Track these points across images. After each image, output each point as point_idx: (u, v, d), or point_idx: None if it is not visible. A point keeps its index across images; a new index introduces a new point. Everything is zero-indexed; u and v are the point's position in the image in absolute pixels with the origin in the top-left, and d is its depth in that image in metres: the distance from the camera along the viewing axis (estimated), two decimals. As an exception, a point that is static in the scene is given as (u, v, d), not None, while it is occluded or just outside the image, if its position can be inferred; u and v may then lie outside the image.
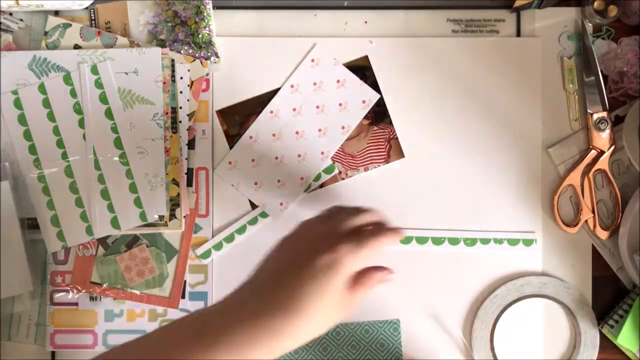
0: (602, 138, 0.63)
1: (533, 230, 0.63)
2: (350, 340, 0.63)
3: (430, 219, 0.63)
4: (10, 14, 0.62)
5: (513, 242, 0.63)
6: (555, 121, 0.64)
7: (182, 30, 0.62)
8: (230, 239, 0.63)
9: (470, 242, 0.63)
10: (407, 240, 0.63)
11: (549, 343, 0.64)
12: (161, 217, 0.62)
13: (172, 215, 0.62)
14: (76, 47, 0.62)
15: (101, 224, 0.61)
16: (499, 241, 0.63)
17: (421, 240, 0.63)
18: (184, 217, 0.62)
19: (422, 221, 0.63)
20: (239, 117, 0.64)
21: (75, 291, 0.62)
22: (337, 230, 0.48)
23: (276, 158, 0.63)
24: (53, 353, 0.63)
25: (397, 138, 0.64)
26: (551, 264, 0.64)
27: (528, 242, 0.63)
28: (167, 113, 0.62)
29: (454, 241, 0.63)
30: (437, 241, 0.63)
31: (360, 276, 0.47)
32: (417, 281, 0.63)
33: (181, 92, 0.62)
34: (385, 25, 0.64)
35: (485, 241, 0.63)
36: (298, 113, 0.63)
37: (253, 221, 0.63)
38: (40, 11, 0.63)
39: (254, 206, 0.63)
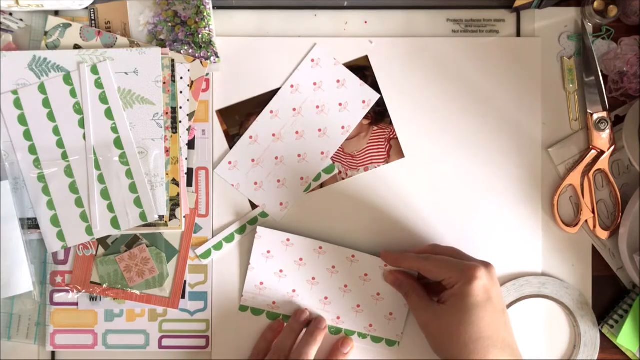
0: (602, 138, 0.63)
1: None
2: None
3: (430, 219, 0.63)
4: (10, 14, 0.62)
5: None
6: (555, 121, 0.64)
7: (182, 30, 0.62)
8: (230, 239, 0.63)
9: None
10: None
11: (549, 343, 0.64)
12: (161, 217, 0.62)
13: (172, 215, 0.62)
14: (76, 47, 0.62)
15: (101, 224, 0.61)
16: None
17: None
18: (184, 217, 0.62)
19: (422, 221, 0.63)
20: (239, 117, 0.64)
21: (75, 291, 0.62)
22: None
23: (276, 158, 0.63)
24: (53, 353, 0.63)
25: (397, 138, 0.64)
26: (551, 264, 0.64)
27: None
28: (167, 113, 0.62)
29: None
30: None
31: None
32: (417, 281, 0.63)
33: (181, 92, 0.62)
34: (385, 25, 0.64)
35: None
36: (298, 113, 0.63)
37: (253, 221, 0.63)
38: (40, 11, 0.63)
39: (254, 206, 0.63)
